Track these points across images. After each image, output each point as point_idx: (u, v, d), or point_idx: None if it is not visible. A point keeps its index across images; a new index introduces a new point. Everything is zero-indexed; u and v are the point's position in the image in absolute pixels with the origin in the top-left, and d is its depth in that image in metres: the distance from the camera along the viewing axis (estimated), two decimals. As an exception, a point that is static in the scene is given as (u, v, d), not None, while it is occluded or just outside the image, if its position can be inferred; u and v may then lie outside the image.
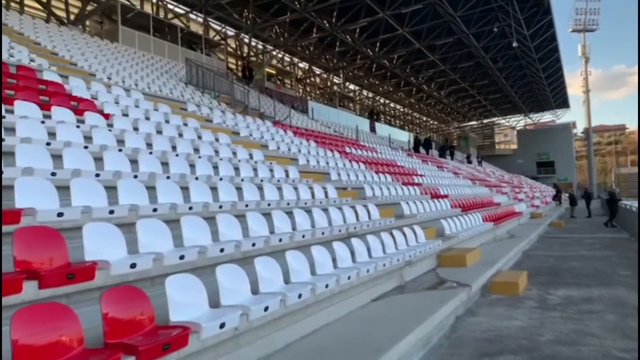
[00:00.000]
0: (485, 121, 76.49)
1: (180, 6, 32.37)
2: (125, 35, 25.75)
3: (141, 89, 14.82)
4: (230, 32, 36.82)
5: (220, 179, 7.61)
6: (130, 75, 17.36)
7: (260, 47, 40.62)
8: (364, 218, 9.09)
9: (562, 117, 73.75)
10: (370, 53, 41.25)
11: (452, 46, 40.13)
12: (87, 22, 28.00)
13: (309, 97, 46.04)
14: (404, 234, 8.68)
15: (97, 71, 15.54)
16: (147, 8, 31.15)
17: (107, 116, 8.94)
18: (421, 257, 8.36)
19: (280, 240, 6.00)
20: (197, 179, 6.98)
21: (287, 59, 44.17)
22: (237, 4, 32.53)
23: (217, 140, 10.94)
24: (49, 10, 23.90)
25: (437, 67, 45.38)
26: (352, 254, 6.62)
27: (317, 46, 40.18)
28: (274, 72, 39.58)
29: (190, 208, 5.98)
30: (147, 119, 10.44)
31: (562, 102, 66.42)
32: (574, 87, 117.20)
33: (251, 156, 10.61)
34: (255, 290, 4.65)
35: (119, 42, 24.81)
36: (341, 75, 49.80)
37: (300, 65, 46.12)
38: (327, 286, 5.11)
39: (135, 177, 6.38)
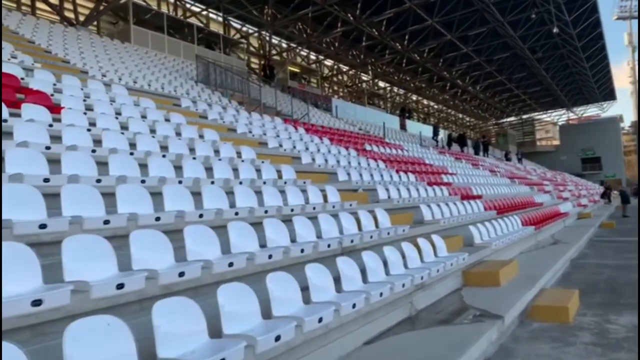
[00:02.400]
0: (524, 117, 72.90)
1: (197, 4, 31.28)
2: (137, 35, 24.76)
3: (125, 83, 13.52)
4: (251, 30, 35.56)
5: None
6: (132, 73, 16.12)
7: (284, 45, 39.27)
8: (368, 227, 7.35)
9: (608, 110, 69.72)
10: (399, 47, 39.24)
11: (486, 37, 37.60)
12: (101, 24, 27.36)
13: (335, 96, 44.40)
14: (418, 247, 6.88)
15: (91, 68, 14.37)
16: (165, 8, 30.24)
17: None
18: (439, 276, 6.55)
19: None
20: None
21: (312, 57, 42.63)
22: (256, 1, 31.23)
23: (201, 136, 9.42)
24: (58, 12, 23.08)
25: (470, 59, 42.85)
26: (337, 280, 4.89)
27: (343, 42, 38.43)
28: (298, 70, 38.06)
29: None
30: (144, 117, 9.17)
31: (608, 94, 62.43)
32: (620, 78, 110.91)
33: (239, 154, 9.02)
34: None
35: (130, 42, 23.85)
36: (370, 72, 47.90)
37: (327, 63, 44.49)
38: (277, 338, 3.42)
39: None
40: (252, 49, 37.08)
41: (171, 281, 3.86)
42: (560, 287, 8.72)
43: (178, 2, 31.26)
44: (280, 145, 11.56)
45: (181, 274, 3.92)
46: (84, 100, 8.90)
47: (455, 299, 6.82)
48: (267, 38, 35.78)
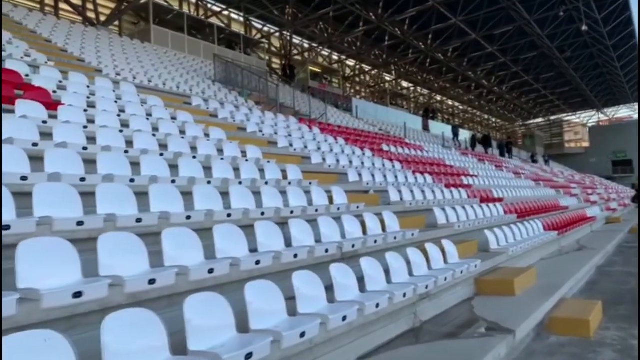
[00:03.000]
0: (552, 118, 71.03)
1: (218, 4, 31.25)
2: (157, 35, 24.82)
3: (140, 81, 13.46)
4: (272, 30, 35.40)
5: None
6: (147, 72, 16.04)
7: (306, 45, 39.03)
8: (374, 231, 6.95)
9: (641, 111, 67.04)
10: (422, 46, 38.56)
11: (512, 36, 36.59)
12: (123, 25, 27.55)
13: (358, 96, 43.93)
14: (426, 253, 6.46)
15: (105, 67, 14.31)
16: (186, 8, 30.30)
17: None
18: (447, 285, 6.12)
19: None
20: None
21: (335, 57, 42.26)
22: (277, 0, 31.05)
23: (206, 135, 9.16)
24: (80, 12, 23.28)
25: (496, 59, 41.83)
26: (329, 288, 4.52)
27: (365, 41, 37.97)
28: (319, 70, 37.76)
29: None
30: (150, 115, 9.00)
31: (641, 94, 60.20)
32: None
33: (244, 153, 8.73)
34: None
35: (150, 42, 23.90)
36: (393, 72, 47.28)
37: (349, 63, 44.06)
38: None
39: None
40: (273, 49, 36.93)
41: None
42: (583, 298, 8.16)
43: (200, 2, 31.29)
44: (291, 145, 11.24)
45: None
46: (88, 98, 8.73)
47: (465, 309, 6.37)
48: (288, 38, 35.59)
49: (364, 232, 6.85)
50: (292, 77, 30.55)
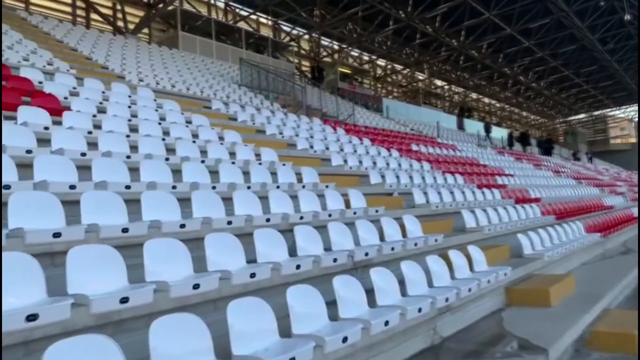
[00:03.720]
0: (595, 113, 68.10)
1: (245, 8, 31.21)
2: (185, 41, 24.94)
3: (163, 87, 13.38)
4: (300, 32, 35.15)
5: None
6: (171, 77, 15.96)
7: (335, 47, 38.64)
8: (394, 237, 6.44)
9: (692, 103, 63.44)
10: (455, 43, 37.54)
11: (550, 29, 35.11)
12: (153, 32, 27.84)
13: (389, 96, 43.20)
14: (449, 261, 5.90)
15: (129, 73, 14.30)
16: (214, 14, 30.39)
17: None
18: (472, 296, 5.54)
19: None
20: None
21: (365, 57, 41.67)
22: (305, 3, 30.78)
23: (221, 138, 8.85)
24: (109, 21, 23.61)
25: (533, 54, 40.29)
26: (330, 304, 4.06)
27: (395, 40, 37.26)
28: (349, 71, 37.24)
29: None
30: (163, 119, 8.81)
31: (692, 85, 56.96)
32: None
33: (258, 156, 8.36)
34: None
35: (179, 48, 24.01)
36: (426, 71, 46.28)
37: (380, 63, 43.37)
38: None
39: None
40: (302, 51, 36.69)
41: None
42: (629, 308, 7.38)
43: (228, 8, 31.34)
44: (311, 147, 10.82)
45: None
46: (100, 103, 8.55)
47: (493, 323, 5.77)
48: (317, 40, 35.28)
49: (382, 238, 6.35)
50: (320, 79, 30.16)
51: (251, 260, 4.55)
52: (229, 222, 5.06)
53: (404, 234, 6.78)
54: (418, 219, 7.87)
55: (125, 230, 4.11)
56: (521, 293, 6.50)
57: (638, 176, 20.74)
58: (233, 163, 7.33)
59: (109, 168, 5.39)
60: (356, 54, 40.73)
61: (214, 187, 5.96)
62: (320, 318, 3.86)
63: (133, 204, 4.66)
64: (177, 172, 6.12)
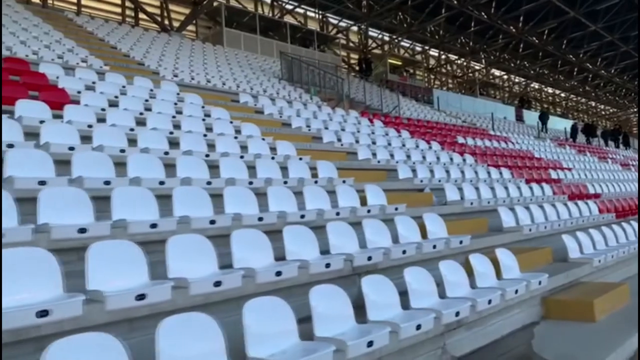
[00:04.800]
0: (675, 101, 62.76)
1: (291, 2, 30.86)
2: (230, 37, 24.86)
3: (197, 82, 13.17)
4: (348, 24, 34.38)
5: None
6: (208, 73, 15.80)
7: (386, 38, 37.58)
8: (409, 238, 5.71)
9: None
10: (513, 30, 35.51)
11: (619, 10, 32.39)
12: (198, 30, 28.05)
13: (444, 88, 41.60)
14: (470, 267, 5.12)
15: (165, 69, 14.22)
16: (261, 9, 30.23)
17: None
18: (493, 309, 4.73)
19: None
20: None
21: (418, 48, 40.28)
22: (352, -7, 30.08)
23: (238, 131, 8.40)
24: (154, 20, 23.91)
25: (601, 38, 37.35)
26: (304, 320, 3.44)
27: (448, 29, 35.69)
28: (399, 63, 36.11)
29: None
30: (180, 112, 8.56)
31: None
32: None
33: (273, 150, 7.84)
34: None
35: (223, 44, 23.97)
36: (483, 61, 44.19)
37: (432, 53, 41.81)
38: None
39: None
40: (351, 44, 35.93)
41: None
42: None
43: (275, 2, 31.09)
44: (339, 140, 10.18)
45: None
46: (116, 97, 8.32)
47: (523, 340, 4.92)
48: (364, 32, 34.43)
49: (396, 240, 5.64)
50: (368, 72, 29.32)
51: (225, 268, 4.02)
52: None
53: (424, 235, 6.03)
54: (448, 217, 7.14)
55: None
56: (560, 304, 5.59)
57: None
58: (242, 157, 6.84)
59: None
60: (407, 45, 39.42)
61: (207, 184, 5.49)
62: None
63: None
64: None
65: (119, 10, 25.58)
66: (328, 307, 3.58)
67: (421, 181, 8.71)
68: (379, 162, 9.37)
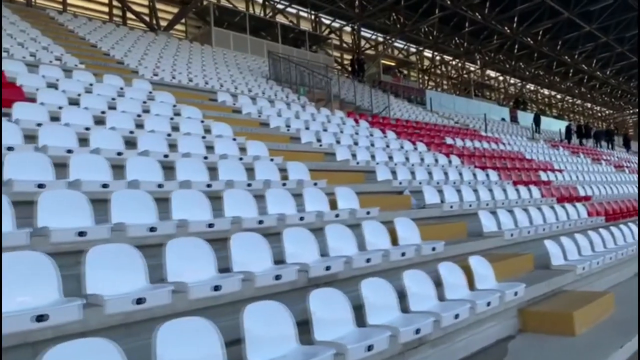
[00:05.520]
0: (671, 103, 62.52)
1: (282, 1, 30.50)
2: (218, 36, 24.47)
3: (178, 81, 12.93)
4: (340, 24, 34.02)
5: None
6: (191, 72, 15.38)
7: (380, 39, 37.22)
8: (377, 245, 5.32)
9: None
10: (508, 30, 35.18)
11: (614, 11, 32.09)
12: (188, 29, 27.68)
13: (438, 88, 41.26)
14: (438, 277, 4.72)
15: (145, 68, 13.79)
16: (252, 8, 29.84)
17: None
18: (462, 324, 4.34)
19: (277, 277, 4.12)
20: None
21: (412, 49, 39.93)
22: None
23: (207, 131, 8.00)
24: (141, 19, 23.51)
25: (596, 39, 37.04)
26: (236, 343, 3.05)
27: (442, 29, 35.35)
28: (393, 64, 35.74)
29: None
30: (147, 111, 8.14)
31: None
32: None
33: (243, 150, 7.44)
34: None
35: (211, 44, 23.56)
36: (478, 62, 43.88)
37: (427, 54, 41.48)
38: None
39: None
40: (345, 45, 35.57)
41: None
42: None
43: (267, 2, 30.71)
44: (319, 140, 9.79)
45: (277, 277, 3.94)
46: (78, 95, 7.90)
47: (495, 356, 4.54)
48: (357, 32, 34.08)
49: (363, 247, 5.25)
50: (360, 72, 28.95)
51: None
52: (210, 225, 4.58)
53: (395, 242, 5.63)
54: (425, 222, 6.78)
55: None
56: (538, 317, 5.20)
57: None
58: (205, 158, 6.45)
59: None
60: (401, 46, 39.08)
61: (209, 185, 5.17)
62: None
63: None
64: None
65: (106, 9, 25.19)
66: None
67: (400, 183, 8.32)
68: (357, 163, 8.98)
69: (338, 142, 10.17)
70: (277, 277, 3.97)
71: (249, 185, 5.96)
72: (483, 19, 32.64)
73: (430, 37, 36.44)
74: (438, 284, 4.70)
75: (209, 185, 5.54)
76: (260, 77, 18.98)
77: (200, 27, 27.40)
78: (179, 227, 4.34)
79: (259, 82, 17.83)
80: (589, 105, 60.73)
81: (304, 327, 3.43)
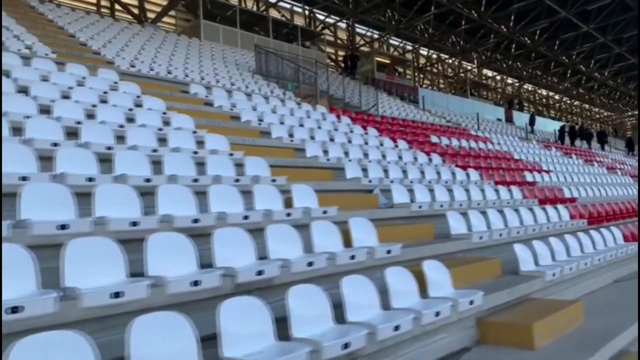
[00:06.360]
0: (669, 105, 62.11)
1: (276, -5, 30.07)
2: (208, 30, 24.06)
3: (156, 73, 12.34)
4: (334, 20, 33.61)
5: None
6: (171, 64, 14.95)
7: (375, 35, 36.81)
8: (326, 247, 4.92)
9: None
10: (504, 29, 34.76)
11: (612, 11, 31.65)
12: (178, 22, 27.29)
13: (434, 87, 40.87)
14: (385, 284, 4.33)
15: (122, 59, 13.39)
16: (245, 2, 29.40)
17: None
18: (405, 336, 3.94)
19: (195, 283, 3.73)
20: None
21: (409, 47, 39.49)
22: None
23: (166, 123, 7.60)
24: (128, 10, 23.09)
25: (594, 40, 36.63)
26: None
27: (438, 27, 34.91)
28: (388, 61, 35.28)
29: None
30: (105, 102, 7.71)
31: None
32: None
33: (200, 143, 7.04)
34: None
35: (200, 37, 23.14)
36: (475, 61, 43.46)
37: (423, 52, 41.05)
38: None
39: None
40: (339, 41, 35.15)
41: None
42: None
43: (261, -3, 30.29)
44: (291, 135, 9.40)
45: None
46: (31, 83, 7.48)
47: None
48: (351, 28, 33.67)
49: (310, 249, 4.86)
50: (353, 69, 28.54)
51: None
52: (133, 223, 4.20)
53: (348, 244, 5.25)
54: (391, 222, 6.43)
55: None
56: (496, 327, 4.80)
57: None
58: (154, 151, 6.05)
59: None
60: (397, 43, 38.65)
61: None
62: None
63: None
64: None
65: (94, 0, 24.77)
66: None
67: (370, 181, 7.92)
68: (328, 160, 8.58)
69: (312, 137, 9.78)
70: (196, 282, 3.57)
71: (195, 180, 5.56)
72: (479, 17, 32.21)
73: (426, 35, 36.01)
74: (384, 292, 4.31)
75: (148, 180, 5.14)
76: (246, 72, 18.57)
77: (190, 21, 26.97)
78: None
79: (244, 76, 17.43)
80: (587, 106, 60.32)
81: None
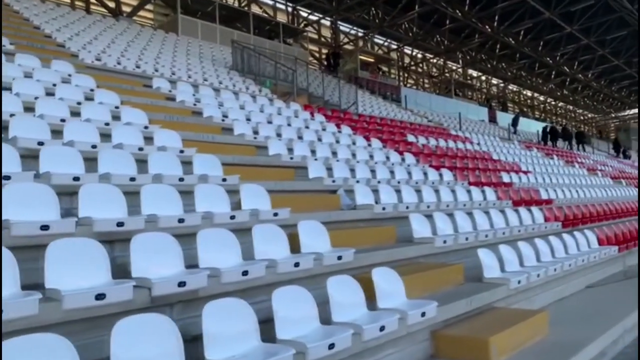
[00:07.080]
0: (652, 107, 62.62)
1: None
2: (186, 25, 23.53)
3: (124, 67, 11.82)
4: (318, 17, 33.22)
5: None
6: (142, 59, 14.44)
7: (360, 34, 36.46)
8: (269, 254, 4.51)
9: None
10: (489, 29, 34.62)
11: (595, 12, 31.62)
12: (155, 17, 26.71)
13: (418, 87, 40.65)
14: (328, 297, 3.93)
15: (88, 53, 12.85)
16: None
17: None
18: (341, 355, 3.55)
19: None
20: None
21: (394, 46, 39.21)
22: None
23: (116, 117, 7.12)
24: (102, 4, 22.47)
25: (578, 41, 36.64)
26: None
27: (422, 26, 34.63)
28: (372, 60, 34.95)
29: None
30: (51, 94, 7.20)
31: None
32: None
33: (149, 140, 6.58)
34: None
35: (178, 33, 22.59)
36: (460, 61, 43.33)
37: (407, 51, 40.80)
38: None
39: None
40: (322, 39, 34.75)
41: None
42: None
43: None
44: (255, 133, 8.97)
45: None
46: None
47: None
48: (334, 26, 33.29)
49: (251, 256, 4.44)
50: (335, 67, 28.16)
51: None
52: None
53: (296, 249, 4.84)
54: (352, 225, 6.05)
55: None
56: (451, 341, 4.43)
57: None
58: (94, 147, 5.59)
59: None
60: (382, 42, 38.35)
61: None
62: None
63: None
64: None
65: (68, -7, 24.07)
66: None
67: (333, 181, 7.51)
68: (291, 158, 8.16)
69: (279, 135, 9.35)
70: (100, 296, 3.14)
71: (132, 179, 5.10)
72: (463, 16, 32.03)
73: (410, 34, 35.74)
74: (325, 303, 3.91)
75: (76, 179, 4.68)
76: (222, 68, 18.09)
77: (168, 15, 26.38)
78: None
79: (219, 72, 16.96)
80: (571, 107, 60.60)
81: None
